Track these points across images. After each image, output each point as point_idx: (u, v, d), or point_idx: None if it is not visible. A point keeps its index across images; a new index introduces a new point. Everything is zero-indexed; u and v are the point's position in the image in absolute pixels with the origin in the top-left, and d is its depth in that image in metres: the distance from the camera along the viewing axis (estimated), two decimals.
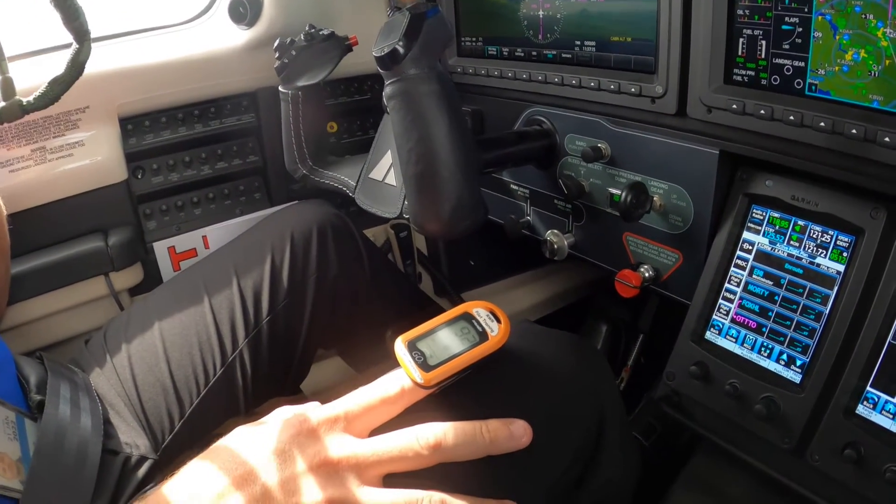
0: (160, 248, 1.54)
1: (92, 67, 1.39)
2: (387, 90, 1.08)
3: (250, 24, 1.53)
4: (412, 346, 0.70)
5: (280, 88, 1.43)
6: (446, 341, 0.72)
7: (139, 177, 1.51)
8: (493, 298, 0.71)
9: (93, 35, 1.51)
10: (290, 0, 1.52)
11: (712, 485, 1.07)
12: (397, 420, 0.70)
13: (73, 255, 1.39)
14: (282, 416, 0.69)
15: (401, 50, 1.02)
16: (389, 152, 1.32)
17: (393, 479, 0.67)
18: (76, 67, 0.97)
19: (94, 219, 1.45)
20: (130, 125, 1.48)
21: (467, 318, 0.74)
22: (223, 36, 1.57)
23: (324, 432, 0.67)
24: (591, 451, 0.86)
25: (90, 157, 1.41)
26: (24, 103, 1.01)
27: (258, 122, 1.61)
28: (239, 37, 1.55)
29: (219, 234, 1.58)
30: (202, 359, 1.11)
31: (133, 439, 1.01)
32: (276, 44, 1.39)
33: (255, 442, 0.67)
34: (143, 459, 0.99)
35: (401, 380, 0.70)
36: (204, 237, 1.57)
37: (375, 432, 0.69)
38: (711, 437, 1.08)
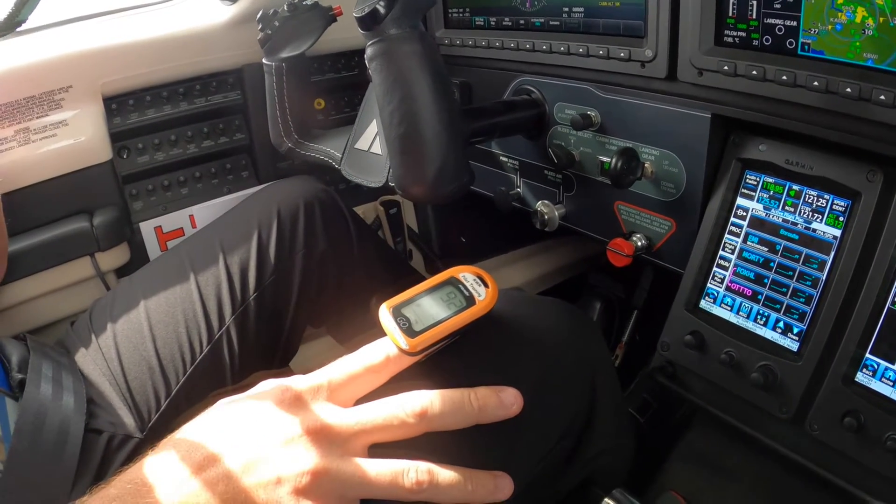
0: (147, 227, 1.52)
1: (75, 46, 1.38)
2: (368, 52, 1.06)
3: None
4: (397, 313, 0.69)
5: (264, 60, 1.41)
6: (432, 307, 0.70)
7: (124, 156, 1.50)
8: None
9: (76, 14, 1.51)
10: None
11: (709, 457, 1.06)
12: (383, 389, 0.68)
13: (57, 237, 1.38)
14: (264, 387, 0.68)
15: (381, 9, 1.00)
16: (375, 121, 1.30)
17: (379, 450, 0.65)
18: None
19: (79, 200, 1.43)
20: (115, 104, 1.47)
21: (454, 282, 0.72)
22: (207, 12, 1.55)
23: (306, 402, 0.65)
24: (583, 421, 0.85)
25: (74, 138, 1.40)
26: None
27: (244, 100, 1.60)
28: (223, 12, 1.53)
29: (206, 213, 1.56)
30: (188, 336, 1.10)
31: (118, 418, 1.00)
32: (259, 15, 1.37)
33: (237, 413, 0.66)
34: (128, 438, 0.98)
35: (385, 347, 0.68)
36: (191, 216, 1.56)
37: (361, 402, 0.68)
38: (708, 408, 1.07)
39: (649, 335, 1.13)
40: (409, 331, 0.67)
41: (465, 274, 0.73)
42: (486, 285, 0.72)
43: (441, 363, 0.71)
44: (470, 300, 0.71)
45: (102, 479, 0.90)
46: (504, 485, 0.67)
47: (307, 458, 0.60)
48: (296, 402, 0.65)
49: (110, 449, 0.96)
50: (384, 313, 0.69)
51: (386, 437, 0.65)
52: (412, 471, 0.62)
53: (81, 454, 0.89)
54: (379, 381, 0.69)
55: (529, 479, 0.77)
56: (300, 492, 0.59)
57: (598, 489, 0.95)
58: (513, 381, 0.70)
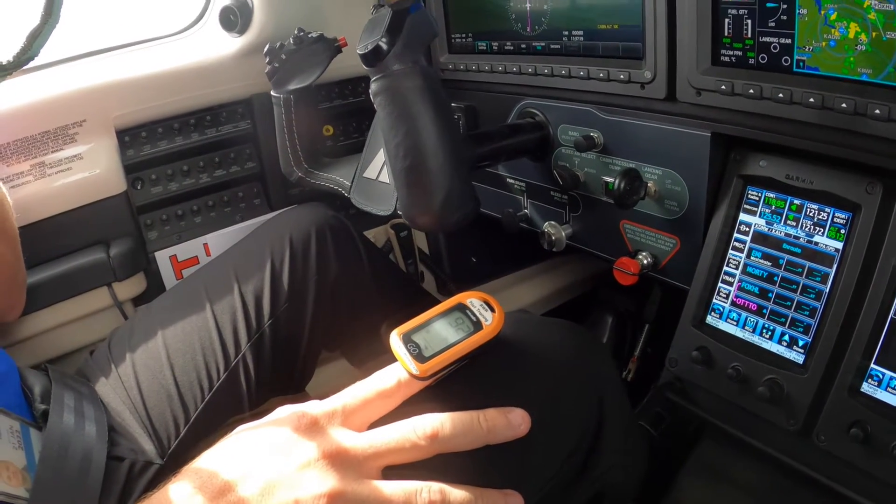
0: (162, 257, 1.54)
1: (87, 81, 1.41)
2: (372, 87, 1.08)
3: (241, 31, 1.53)
4: (407, 339, 0.70)
5: (272, 93, 1.43)
6: (441, 332, 0.72)
7: (138, 187, 1.52)
8: (497, 295, 0.71)
9: (86, 50, 1.54)
10: (279, 6, 1.53)
11: (719, 470, 1.07)
12: (395, 413, 0.70)
13: (75, 268, 1.40)
14: (281, 413, 0.69)
15: (384, 46, 1.02)
16: (382, 150, 1.32)
17: (393, 472, 0.67)
18: (52, 13, 0.92)
19: (96, 231, 1.45)
20: (127, 137, 1.49)
21: (461, 308, 0.74)
22: (216, 44, 1.58)
23: (322, 427, 0.67)
24: (592, 439, 0.86)
25: (89, 170, 1.42)
26: (5, 63, 0.97)
27: (254, 129, 1.62)
28: (231, 45, 1.56)
29: (220, 241, 1.58)
30: (206, 364, 1.12)
31: (139, 446, 1.02)
32: (265, 49, 1.40)
33: (255, 439, 0.67)
34: (148, 465, 1.00)
35: (397, 372, 0.70)
36: (205, 245, 1.58)
37: (374, 426, 0.69)
38: (716, 423, 1.08)
39: (662, 348, 1.14)
40: (420, 356, 0.69)
41: (473, 300, 0.75)
42: (492, 310, 0.74)
43: (451, 386, 0.73)
44: (477, 325, 0.72)
45: None
46: (514, 502, 0.68)
47: (323, 482, 0.62)
48: (311, 428, 0.66)
49: (132, 476, 0.97)
50: (395, 340, 0.71)
51: (399, 459, 0.67)
52: (425, 491, 0.64)
53: (104, 482, 0.90)
54: (391, 405, 0.71)
55: (540, 496, 0.78)
56: None
57: None
58: (521, 401, 0.71)
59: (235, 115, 1.61)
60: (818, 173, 0.94)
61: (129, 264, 1.45)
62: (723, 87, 0.97)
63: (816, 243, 0.94)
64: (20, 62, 0.91)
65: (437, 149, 1.06)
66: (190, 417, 1.08)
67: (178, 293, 1.26)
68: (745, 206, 1.03)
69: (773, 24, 0.91)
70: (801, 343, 0.95)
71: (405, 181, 1.10)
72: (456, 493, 0.65)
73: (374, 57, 1.04)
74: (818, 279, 0.94)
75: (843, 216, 0.92)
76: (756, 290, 1.01)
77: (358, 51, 1.05)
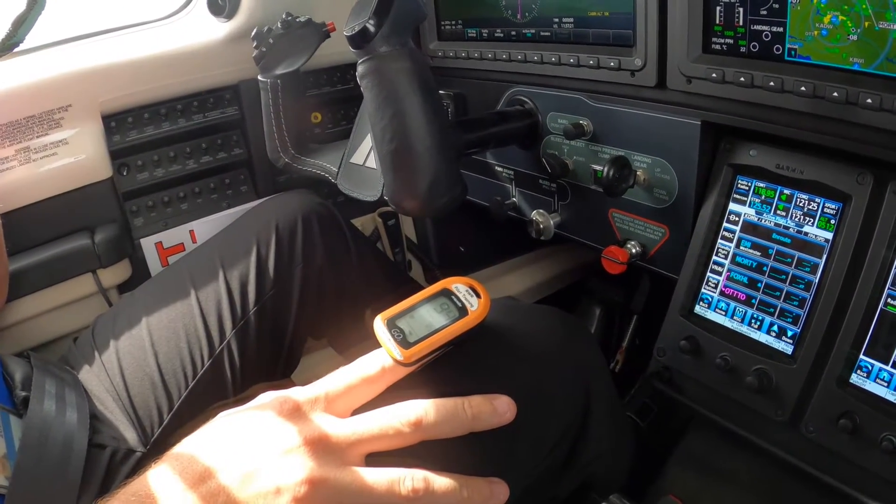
0: (147, 243, 1.53)
1: (74, 65, 1.39)
2: (359, 69, 1.07)
3: (229, 16, 1.52)
4: (391, 324, 0.70)
5: (259, 77, 1.42)
6: (426, 318, 0.71)
7: (124, 173, 1.51)
8: (485, 284, 0.69)
9: (73, 34, 1.52)
10: None
11: (707, 460, 1.06)
12: (379, 399, 0.69)
13: (59, 254, 1.39)
14: (263, 399, 0.69)
15: (371, 28, 1.01)
16: (369, 136, 1.31)
17: (376, 459, 0.66)
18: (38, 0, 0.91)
19: (81, 217, 1.44)
20: (114, 122, 1.48)
21: (446, 293, 0.73)
22: (203, 30, 1.56)
23: (304, 413, 0.66)
24: (578, 427, 0.85)
25: (74, 156, 1.41)
26: None
27: (242, 115, 1.61)
28: (219, 30, 1.54)
29: (206, 228, 1.57)
30: (190, 351, 1.11)
31: (121, 433, 1.01)
32: (253, 33, 1.38)
33: (237, 425, 0.66)
34: (130, 453, 0.99)
35: (381, 358, 0.69)
36: (191, 232, 1.57)
37: (358, 412, 0.68)
38: (704, 412, 1.07)
39: (650, 339, 1.13)
40: (404, 342, 0.68)
41: (458, 285, 0.74)
42: (478, 295, 0.73)
43: (436, 373, 0.72)
44: (463, 311, 0.71)
45: (106, 493, 0.91)
46: (499, 491, 0.67)
47: (305, 468, 0.61)
48: (294, 414, 0.66)
49: (114, 463, 0.96)
50: (379, 325, 0.70)
51: (382, 446, 0.66)
52: (408, 479, 0.63)
53: (85, 469, 0.90)
54: (375, 391, 0.70)
55: (525, 484, 0.77)
56: (299, 501, 0.59)
57: (596, 494, 0.95)
58: (506, 388, 0.70)
59: (223, 101, 1.59)
60: (809, 163, 0.94)
61: (114, 251, 1.44)
62: (713, 75, 0.96)
63: (806, 233, 0.94)
64: (5, 48, 0.90)
65: (424, 131, 1.05)
66: (173, 405, 1.07)
67: (162, 280, 1.25)
68: (735, 195, 1.02)
69: (764, 12, 0.90)
70: (789, 333, 0.95)
71: (391, 165, 1.09)
72: (440, 480, 0.64)
73: (360, 39, 1.03)
74: (808, 269, 0.93)
75: (833, 206, 0.92)
76: (745, 279, 1.00)
77: (345, 32, 1.04)
